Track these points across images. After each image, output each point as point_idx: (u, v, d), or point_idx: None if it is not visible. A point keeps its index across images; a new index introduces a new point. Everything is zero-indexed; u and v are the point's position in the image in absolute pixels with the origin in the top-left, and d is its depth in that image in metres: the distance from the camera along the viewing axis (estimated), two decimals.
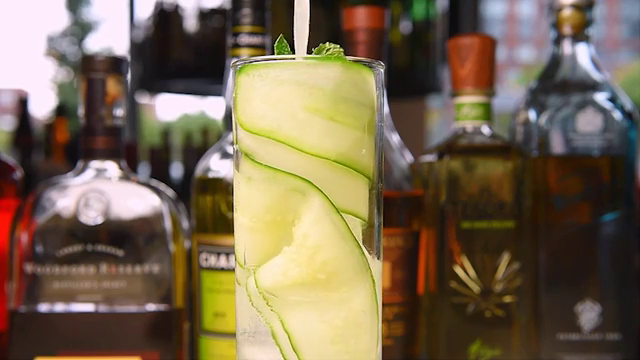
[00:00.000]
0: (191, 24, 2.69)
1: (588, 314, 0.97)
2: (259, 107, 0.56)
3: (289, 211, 0.55)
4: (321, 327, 0.55)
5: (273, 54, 0.58)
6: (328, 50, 0.57)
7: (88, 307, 0.87)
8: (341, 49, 0.57)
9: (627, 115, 0.99)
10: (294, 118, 0.55)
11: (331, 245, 0.55)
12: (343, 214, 0.55)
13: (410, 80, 2.73)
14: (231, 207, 0.88)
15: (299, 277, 0.55)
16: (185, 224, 0.92)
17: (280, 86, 0.55)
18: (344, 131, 0.55)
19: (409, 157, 0.95)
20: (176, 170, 3.17)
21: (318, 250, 0.54)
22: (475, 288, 0.92)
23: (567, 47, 1.02)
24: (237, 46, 0.91)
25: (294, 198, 0.55)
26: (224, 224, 0.89)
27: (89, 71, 0.90)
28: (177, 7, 2.72)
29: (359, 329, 0.56)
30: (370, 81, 0.57)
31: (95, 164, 0.91)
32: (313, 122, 0.54)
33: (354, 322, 0.56)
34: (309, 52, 0.58)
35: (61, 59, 12.39)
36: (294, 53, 0.57)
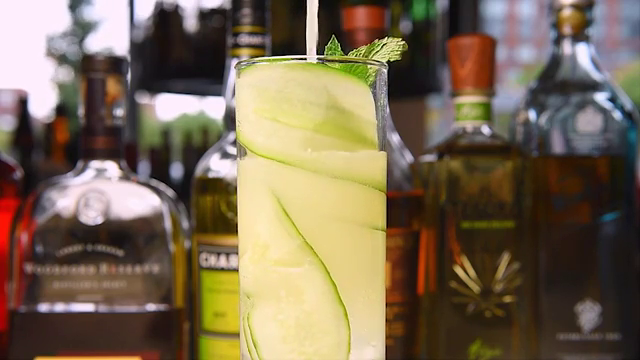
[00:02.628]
0: (191, 24, 2.69)
1: (588, 314, 0.97)
2: (237, 112, 0.59)
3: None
4: (274, 325, 0.56)
5: (273, 55, 0.58)
6: (385, 45, 0.58)
7: (88, 307, 0.87)
8: (400, 41, 0.57)
9: (627, 115, 0.99)
10: (248, 120, 0.57)
11: (279, 245, 0.56)
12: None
13: (410, 80, 2.73)
14: (231, 207, 0.88)
15: (255, 275, 0.57)
16: (185, 224, 0.92)
17: (242, 90, 0.58)
18: (288, 131, 0.55)
19: (409, 157, 0.95)
20: (176, 170, 3.17)
21: (267, 249, 0.56)
22: (475, 288, 0.92)
23: (567, 47, 1.02)
24: (237, 46, 0.91)
25: (260, 198, 0.57)
26: (224, 224, 0.89)
27: (89, 71, 0.90)
28: (177, 7, 2.72)
29: (315, 331, 0.55)
30: (325, 79, 0.55)
31: (95, 164, 0.91)
32: (261, 123, 0.56)
33: (307, 323, 0.55)
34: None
35: (61, 59, 12.40)
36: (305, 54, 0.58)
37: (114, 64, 0.90)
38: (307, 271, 0.55)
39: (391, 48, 0.57)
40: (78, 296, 0.86)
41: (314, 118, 0.55)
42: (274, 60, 0.56)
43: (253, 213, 0.57)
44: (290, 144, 0.55)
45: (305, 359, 0.55)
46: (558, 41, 1.03)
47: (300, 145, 0.55)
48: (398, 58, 0.58)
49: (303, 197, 0.55)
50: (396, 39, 0.57)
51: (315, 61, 0.56)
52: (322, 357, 0.56)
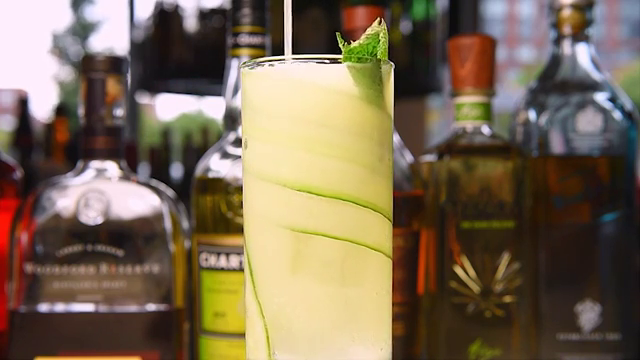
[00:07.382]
0: (191, 24, 2.69)
1: (588, 314, 0.97)
2: None
3: None
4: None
5: (273, 55, 0.59)
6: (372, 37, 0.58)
7: (88, 307, 0.87)
8: (374, 30, 0.57)
9: (627, 115, 0.99)
10: None
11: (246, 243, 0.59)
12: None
13: (410, 80, 2.73)
14: (231, 207, 0.88)
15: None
16: (185, 224, 0.92)
17: None
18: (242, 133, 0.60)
19: (409, 157, 0.95)
20: (176, 170, 3.17)
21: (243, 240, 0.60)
22: (475, 288, 0.92)
23: (567, 47, 1.02)
24: (237, 46, 0.91)
25: None
26: (224, 224, 0.89)
27: (89, 71, 0.90)
28: (177, 7, 2.72)
29: (248, 324, 0.58)
30: (248, 82, 0.57)
31: (95, 164, 0.91)
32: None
33: (246, 316, 0.58)
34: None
35: (64, 57, 12.40)
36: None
37: (114, 64, 0.90)
38: (243, 265, 0.58)
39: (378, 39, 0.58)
40: (78, 296, 0.86)
41: (244, 120, 0.58)
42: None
43: None
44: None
45: (244, 351, 0.59)
46: (558, 41, 1.03)
47: (244, 145, 0.58)
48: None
49: (265, 201, 0.58)
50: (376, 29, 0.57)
51: (292, 61, 0.56)
52: (251, 350, 0.58)
